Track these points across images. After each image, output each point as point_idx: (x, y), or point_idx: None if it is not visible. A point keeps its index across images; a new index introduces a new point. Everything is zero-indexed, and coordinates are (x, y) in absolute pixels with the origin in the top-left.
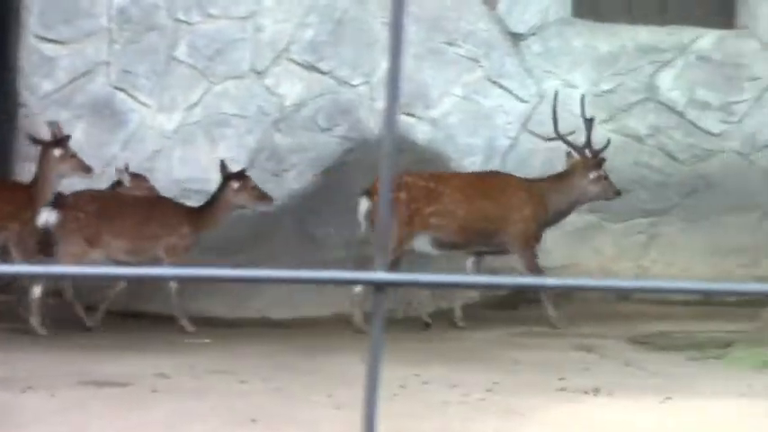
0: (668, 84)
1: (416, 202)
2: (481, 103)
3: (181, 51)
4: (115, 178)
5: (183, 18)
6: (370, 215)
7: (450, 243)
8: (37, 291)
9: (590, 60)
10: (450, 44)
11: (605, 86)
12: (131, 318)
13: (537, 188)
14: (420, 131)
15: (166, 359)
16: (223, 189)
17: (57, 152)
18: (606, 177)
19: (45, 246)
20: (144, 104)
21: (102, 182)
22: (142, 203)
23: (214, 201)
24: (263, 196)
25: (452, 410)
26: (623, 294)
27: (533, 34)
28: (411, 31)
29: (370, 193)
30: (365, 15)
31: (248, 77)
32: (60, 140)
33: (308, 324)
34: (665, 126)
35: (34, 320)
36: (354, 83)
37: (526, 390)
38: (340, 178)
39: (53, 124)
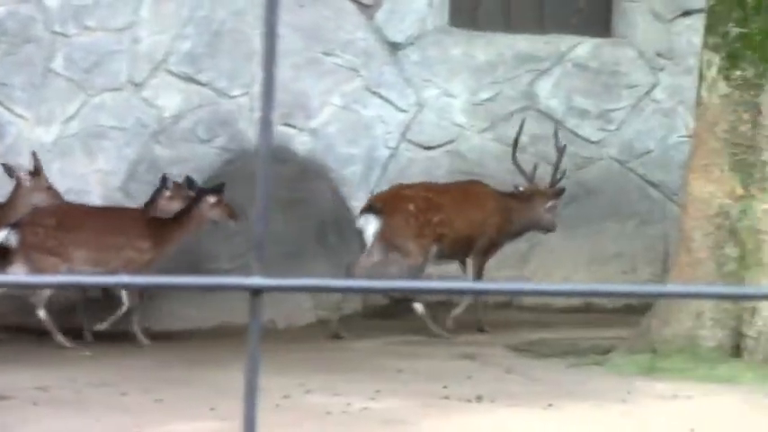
0: (547, 92)
1: (425, 214)
2: (360, 112)
3: (58, 63)
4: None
5: (59, 30)
6: (381, 234)
7: (448, 253)
8: None
9: (468, 69)
10: (328, 54)
11: (484, 95)
12: (13, 330)
13: (505, 201)
14: (299, 142)
15: (47, 372)
16: (198, 203)
17: (30, 182)
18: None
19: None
20: (21, 117)
21: None
22: (104, 214)
23: (184, 215)
24: (234, 213)
25: (335, 420)
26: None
27: (411, 44)
28: (289, 41)
29: (378, 210)
30: (243, 26)
31: (126, 89)
32: (36, 170)
33: (191, 336)
34: (545, 134)
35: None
36: (233, 94)
37: (409, 398)
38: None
39: (34, 154)
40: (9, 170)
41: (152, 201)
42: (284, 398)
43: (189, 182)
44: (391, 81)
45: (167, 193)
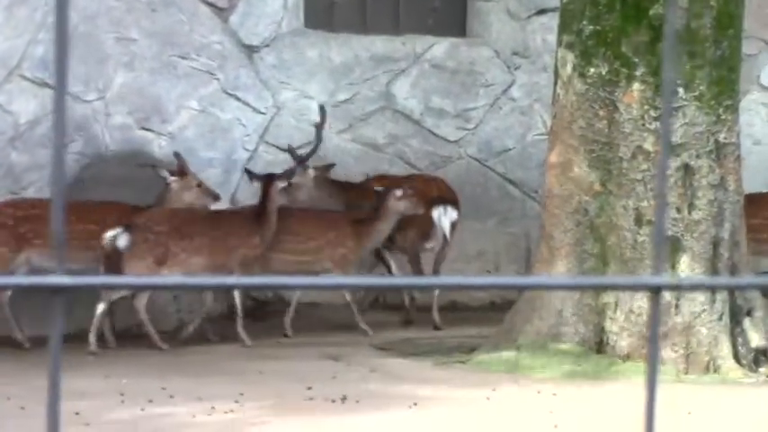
0: (404, 92)
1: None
2: (218, 115)
3: None
4: None
5: None
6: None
7: None
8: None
9: (325, 71)
10: (183, 57)
11: (342, 96)
12: None
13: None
14: (157, 146)
15: None
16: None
17: (177, 183)
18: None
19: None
20: None
21: None
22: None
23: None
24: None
25: (200, 423)
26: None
27: (267, 46)
28: (144, 45)
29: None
30: (96, 31)
31: None
32: (182, 170)
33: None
34: (403, 134)
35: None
36: (88, 98)
37: (273, 400)
38: (79, 194)
39: (177, 154)
40: (157, 171)
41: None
42: (149, 402)
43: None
44: (248, 84)
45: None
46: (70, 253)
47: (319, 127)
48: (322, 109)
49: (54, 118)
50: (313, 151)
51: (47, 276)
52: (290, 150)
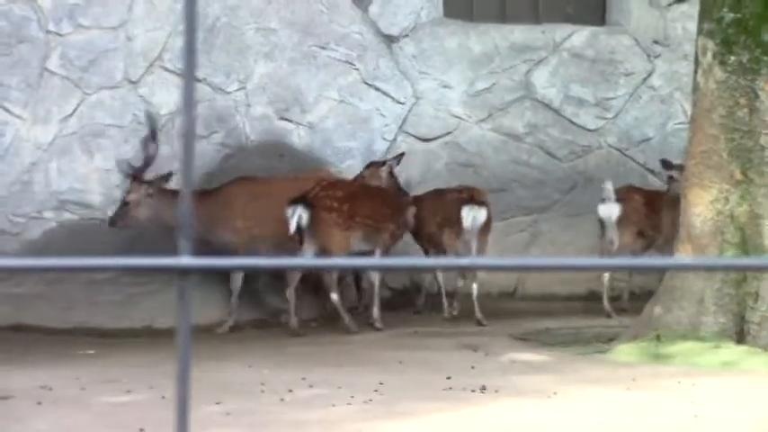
0: (543, 81)
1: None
2: (357, 105)
3: (53, 63)
4: None
5: (54, 29)
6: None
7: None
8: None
9: (464, 60)
10: (323, 48)
11: (481, 86)
12: (12, 330)
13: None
14: (297, 136)
15: (50, 371)
16: None
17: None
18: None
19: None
20: (18, 117)
21: None
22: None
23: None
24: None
25: (340, 412)
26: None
27: (406, 36)
28: (284, 35)
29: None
30: (237, 22)
31: (123, 87)
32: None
33: (192, 331)
34: (542, 123)
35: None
36: (229, 90)
37: (412, 390)
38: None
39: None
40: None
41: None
42: (289, 392)
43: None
44: (387, 74)
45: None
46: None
47: (150, 138)
48: (151, 118)
49: (182, 107)
50: (146, 165)
51: (174, 258)
52: (124, 164)
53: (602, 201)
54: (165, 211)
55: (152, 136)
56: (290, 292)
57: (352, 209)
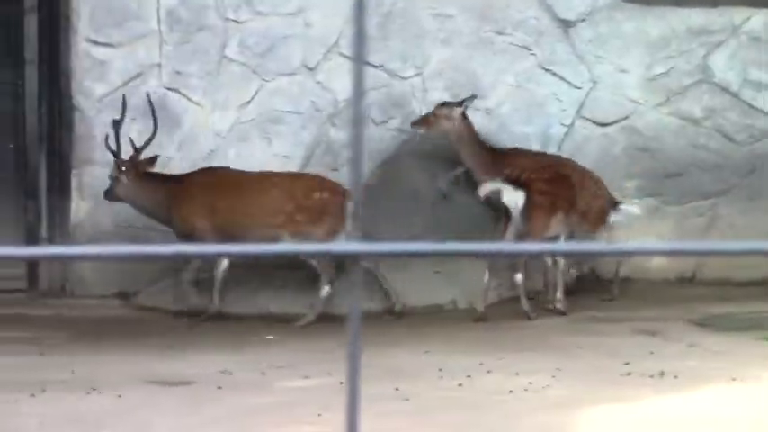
0: (722, 65)
1: None
2: (534, 90)
3: (232, 50)
4: None
5: (232, 17)
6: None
7: None
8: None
9: (641, 44)
10: (499, 33)
11: (658, 70)
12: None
13: None
14: (474, 121)
15: (230, 356)
16: None
17: None
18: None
19: None
20: (197, 104)
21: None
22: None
23: None
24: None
25: (518, 397)
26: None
27: (583, 20)
28: (460, 21)
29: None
30: (414, 7)
31: (300, 73)
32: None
33: (364, 318)
34: (720, 107)
35: None
36: (406, 75)
37: (591, 375)
38: (397, 170)
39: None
40: None
41: None
42: (467, 377)
43: None
44: (564, 58)
45: None
46: None
47: (118, 123)
48: (123, 102)
49: (352, 92)
50: (119, 147)
51: (343, 244)
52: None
53: None
54: (135, 194)
55: (121, 119)
56: (520, 278)
57: (558, 192)
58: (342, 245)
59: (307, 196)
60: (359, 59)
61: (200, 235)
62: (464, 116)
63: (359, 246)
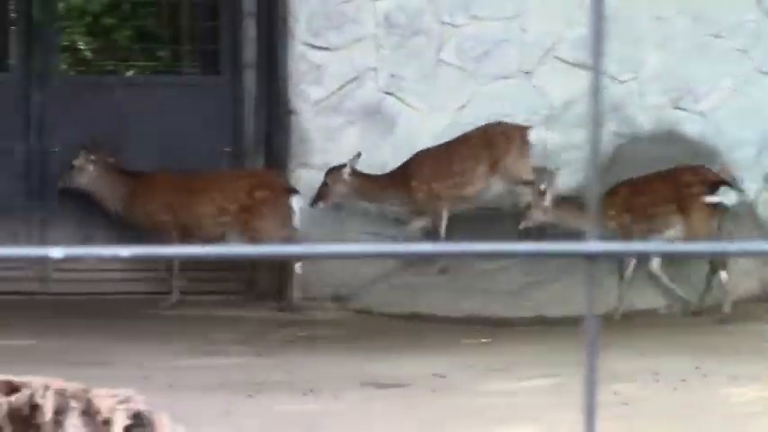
0: None
1: None
2: (752, 95)
3: (448, 54)
4: None
5: (448, 21)
6: None
7: None
8: None
9: None
10: (717, 36)
11: None
12: (404, 319)
13: None
14: (689, 125)
15: (443, 359)
16: None
17: None
18: None
19: None
20: (413, 108)
21: None
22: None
23: None
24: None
25: (735, 402)
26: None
27: None
28: (677, 24)
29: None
30: (633, 11)
31: (516, 77)
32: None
33: (580, 321)
34: None
35: None
36: (623, 79)
37: None
38: (614, 174)
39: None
40: None
41: None
42: (681, 381)
43: None
44: None
45: None
46: None
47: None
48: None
49: (590, 99)
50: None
51: (581, 243)
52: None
53: None
54: (97, 185)
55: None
56: (725, 276)
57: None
58: (579, 245)
59: (249, 195)
60: (596, 63)
61: (164, 229)
62: (354, 172)
63: (598, 245)
